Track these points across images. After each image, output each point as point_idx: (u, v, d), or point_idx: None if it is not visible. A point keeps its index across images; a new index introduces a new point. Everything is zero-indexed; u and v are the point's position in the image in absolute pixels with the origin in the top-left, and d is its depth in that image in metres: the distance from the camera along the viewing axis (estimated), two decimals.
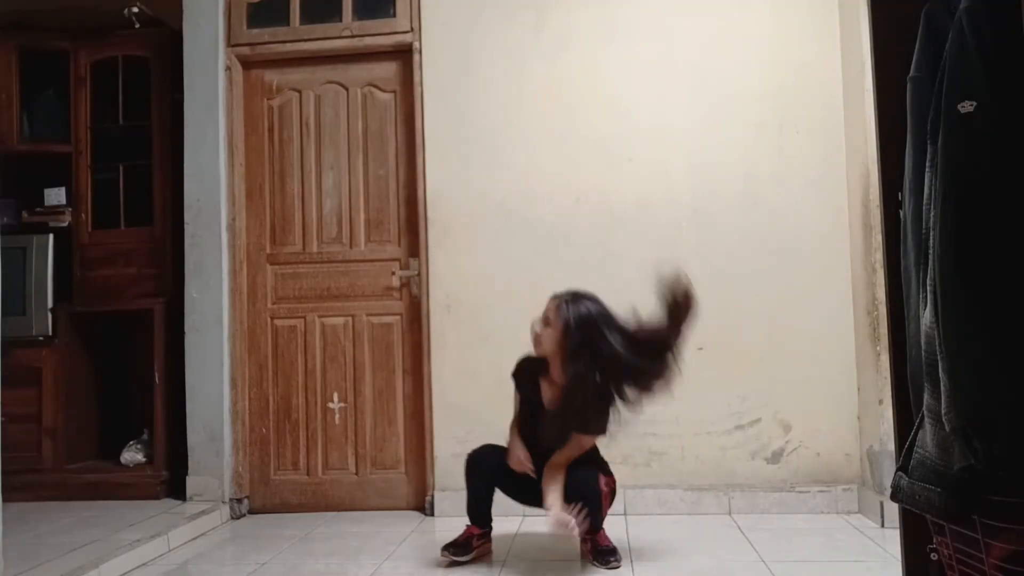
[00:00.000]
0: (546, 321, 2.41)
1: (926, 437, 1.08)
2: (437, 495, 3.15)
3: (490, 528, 2.63)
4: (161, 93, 3.53)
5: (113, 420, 3.71)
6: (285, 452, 3.36)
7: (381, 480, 3.30)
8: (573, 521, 2.28)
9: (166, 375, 3.38)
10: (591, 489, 2.42)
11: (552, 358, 2.43)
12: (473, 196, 3.21)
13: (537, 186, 3.20)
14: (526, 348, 2.59)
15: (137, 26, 3.52)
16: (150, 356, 3.41)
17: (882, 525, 2.74)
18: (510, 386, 2.59)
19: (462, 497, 3.12)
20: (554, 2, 3.24)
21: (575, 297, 2.41)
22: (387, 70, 3.40)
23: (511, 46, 3.25)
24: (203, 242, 3.34)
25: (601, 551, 2.46)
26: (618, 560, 2.44)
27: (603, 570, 2.41)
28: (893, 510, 2.55)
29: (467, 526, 2.59)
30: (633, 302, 3.11)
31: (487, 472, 2.55)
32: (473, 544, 2.56)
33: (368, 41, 3.35)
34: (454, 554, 2.52)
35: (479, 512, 2.58)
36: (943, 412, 1.00)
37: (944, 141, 1.03)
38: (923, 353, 1.07)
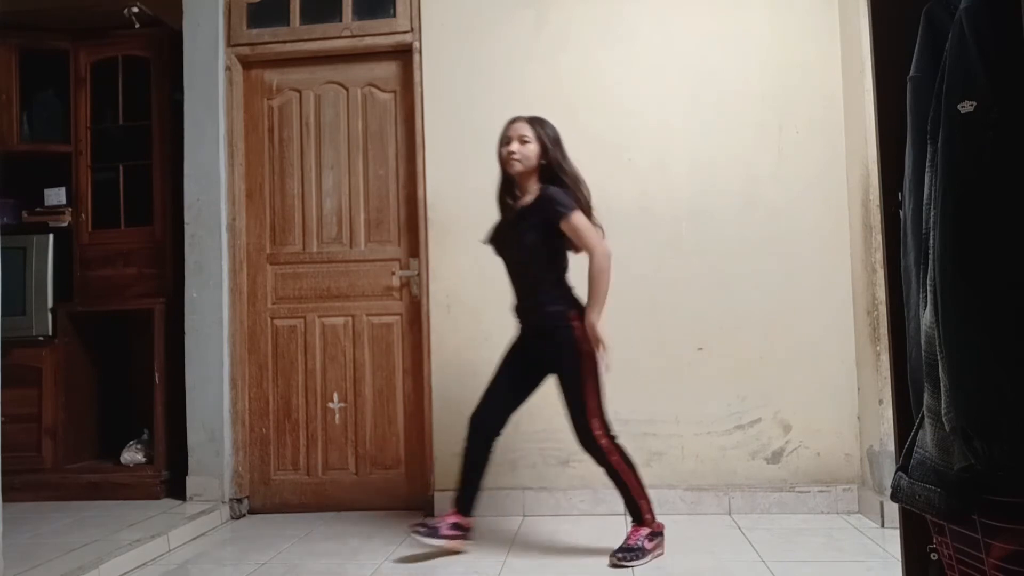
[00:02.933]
0: (522, 139, 2.55)
1: (926, 437, 1.08)
2: (437, 495, 3.15)
3: (470, 521, 2.60)
4: (161, 93, 3.53)
5: (113, 420, 3.71)
6: (285, 452, 3.36)
7: (381, 480, 3.30)
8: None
9: (166, 375, 3.38)
10: (612, 474, 2.48)
11: (529, 173, 2.57)
12: (473, 196, 3.21)
13: None
14: None
15: (137, 26, 3.52)
16: (150, 356, 3.41)
17: (882, 525, 2.74)
18: None
19: None
20: (554, 2, 3.24)
21: (537, 118, 2.60)
22: (387, 70, 3.41)
23: (511, 46, 3.25)
24: (203, 242, 3.34)
25: (620, 546, 2.47)
26: (627, 562, 2.43)
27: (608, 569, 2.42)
28: (893, 510, 2.55)
29: (449, 511, 2.59)
30: (634, 301, 3.13)
31: (488, 424, 2.57)
32: (442, 531, 2.53)
33: (368, 41, 3.35)
34: (422, 534, 2.51)
35: (467, 484, 2.57)
36: (943, 412, 1.00)
37: (944, 141, 1.03)
38: (923, 353, 1.07)
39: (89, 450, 3.63)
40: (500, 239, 2.65)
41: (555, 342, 2.50)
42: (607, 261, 2.47)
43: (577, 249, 2.55)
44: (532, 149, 2.55)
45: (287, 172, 3.44)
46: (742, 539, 2.70)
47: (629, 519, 2.55)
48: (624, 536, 2.51)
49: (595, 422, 2.47)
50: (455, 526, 2.56)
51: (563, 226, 2.49)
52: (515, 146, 2.55)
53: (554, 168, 2.55)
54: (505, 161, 2.58)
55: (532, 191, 2.58)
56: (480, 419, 2.59)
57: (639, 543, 2.47)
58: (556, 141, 2.58)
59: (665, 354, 3.11)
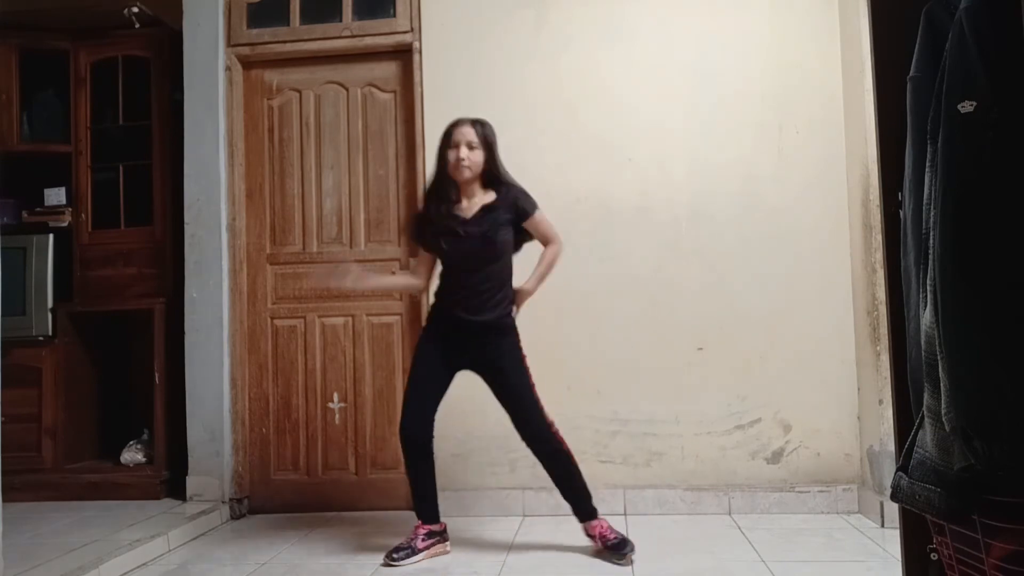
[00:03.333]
0: (470, 145, 2.53)
1: (926, 437, 1.08)
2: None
3: (440, 524, 2.63)
4: (161, 93, 3.53)
5: (113, 420, 3.71)
6: (285, 452, 3.36)
7: (381, 480, 3.30)
8: None
9: (166, 375, 3.38)
10: (564, 462, 2.53)
11: (474, 179, 2.57)
12: None
13: (537, 186, 3.15)
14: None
15: (137, 26, 3.52)
16: (150, 356, 3.41)
17: (882, 525, 2.74)
18: None
19: (462, 497, 3.13)
20: (554, 2, 3.24)
21: (479, 120, 2.59)
22: (387, 70, 3.41)
23: (511, 46, 3.25)
24: (203, 242, 3.34)
25: (611, 546, 2.48)
26: (631, 553, 2.45)
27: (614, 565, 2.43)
28: (893, 510, 2.55)
29: (416, 525, 2.59)
30: (634, 301, 3.13)
31: (420, 435, 2.58)
32: (418, 545, 2.54)
33: (368, 41, 3.35)
34: (400, 558, 2.50)
35: (423, 495, 2.59)
36: (943, 412, 1.00)
37: (944, 141, 1.03)
38: (923, 353, 1.07)
39: (89, 450, 3.63)
40: (449, 237, 2.55)
41: (500, 348, 2.54)
42: (561, 252, 2.64)
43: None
44: (480, 156, 2.54)
45: (287, 172, 3.44)
46: (742, 539, 2.70)
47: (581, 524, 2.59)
48: (595, 539, 2.54)
49: (545, 414, 2.54)
50: (429, 535, 2.58)
51: (529, 222, 2.57)
52: (464, 152, 2.52)
53: (496, 172, 2.58)
54: (454, 168, 2.53)
55: (478, 193, 2.59)
56: (413, 430, 2.58)
57: (617, 535, 2.51)
58: (494, 144, 2.59)
59: (665, 354, 3.10)
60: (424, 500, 2.61)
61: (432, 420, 2.60)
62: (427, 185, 2.69)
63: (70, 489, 3.38)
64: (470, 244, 2.53)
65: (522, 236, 2.62)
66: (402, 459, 2.63)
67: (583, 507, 2.55)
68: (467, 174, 2.54)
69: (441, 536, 2.62)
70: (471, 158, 2.53)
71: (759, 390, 3.06)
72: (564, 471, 2.54)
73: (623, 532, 2.56)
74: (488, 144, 2.56)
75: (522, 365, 2.56)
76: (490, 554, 2.62)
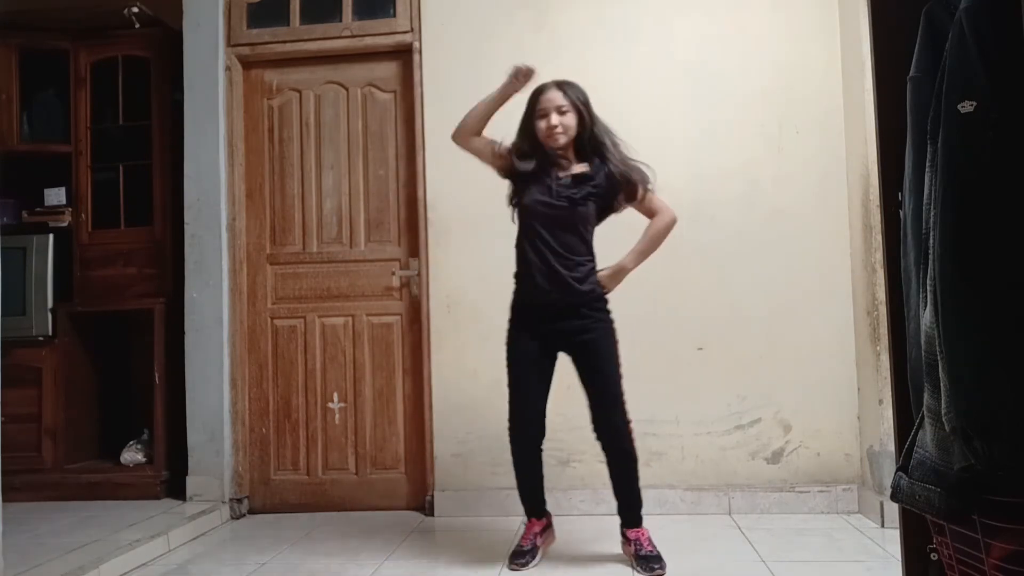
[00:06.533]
0: (560, 110, 2.39)
1: (926, 437, 1.08)
2: (437, 495, 3.15)
3: (547, 518, 2.57)
4: (161, 93, 3.53)
5: (113, 420, 3.71)
6: (285, 452, 3.36)
7: (381, 480, 3.30)
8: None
9: (166, 375, 3.38)
10: (631, 464, 2.49)
11: (569, 145, 2.43)
12: (473, 196, 3.20)
13: None
14: None
15: (137, 26, 3.52)
16: (150, 356, 3.41)
17: (882, 525, 2.74)
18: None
19: (462, 497, 3.13)
20: (554, 2, 3.24)
21: (565, 82, 2.47)
22: (387, 70, 3.40)
23: (511, 46, 3.24)
24: (203, 242, 3.34)
25: (644, 555, 2.37)
26: (664, 570, 2.34)
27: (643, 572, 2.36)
28: (893, 510, 2.55)
29: (526, 522, 2.53)
30: (634, 302, 3.12)
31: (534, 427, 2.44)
32: (538, 543, 2.48)
33: (368, 41, 3.35)
34: (526, 563, 2.41)
35: (533, 496, 2.51)
36: (943, 412, 1.00)
37: (944, 141, 1.03)
38: (923, 353, 1.07)
39: (89, 450, 3.63)
40: (544, 206, 2.41)
41: (593, 325, 2.43)
42: (673, 225, 2.51)
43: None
44: (572, 119, 2.40)
45: (287, 172, 3.44)
46: (742, 539, 2.70)
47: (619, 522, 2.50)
48: (630, 544, 2.44)
49: (624, 404, 2.46)
50: (543, 531, 2.54)
51: (640, 201, 2.47)
52: (555, 119, 2.38)
53: (594, 132, 2.42)
54: (548, 136, 2.40)
55: (572, 159, 2.45)
56: (526, 429, 2.46)
57: (654, 547, 2.40)
58: (587, 103, 2.45)
59: (665, 354, 3.10)
60: (533, 497, 2.52)
61: (544, 415, 2.50)
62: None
63: (70, 489, 3.38)
64: (554, 212, 2.40)
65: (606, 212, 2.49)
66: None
67: (633, 513, 2.47)
68: (562, 140, 2.39)
69: (551, 527, 2.59)
70: (564, 123, 2.39)
71: (759, 390, 3.06)
72: (627, 470, 2.47)
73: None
74: (577, 105, 2.42)
75: (616, 353, 2.46)
76: (490, 554, 2.61)
